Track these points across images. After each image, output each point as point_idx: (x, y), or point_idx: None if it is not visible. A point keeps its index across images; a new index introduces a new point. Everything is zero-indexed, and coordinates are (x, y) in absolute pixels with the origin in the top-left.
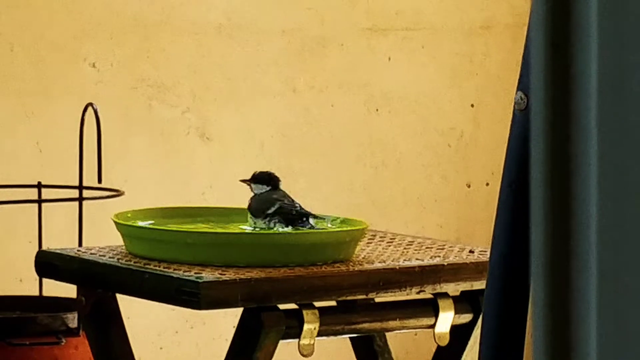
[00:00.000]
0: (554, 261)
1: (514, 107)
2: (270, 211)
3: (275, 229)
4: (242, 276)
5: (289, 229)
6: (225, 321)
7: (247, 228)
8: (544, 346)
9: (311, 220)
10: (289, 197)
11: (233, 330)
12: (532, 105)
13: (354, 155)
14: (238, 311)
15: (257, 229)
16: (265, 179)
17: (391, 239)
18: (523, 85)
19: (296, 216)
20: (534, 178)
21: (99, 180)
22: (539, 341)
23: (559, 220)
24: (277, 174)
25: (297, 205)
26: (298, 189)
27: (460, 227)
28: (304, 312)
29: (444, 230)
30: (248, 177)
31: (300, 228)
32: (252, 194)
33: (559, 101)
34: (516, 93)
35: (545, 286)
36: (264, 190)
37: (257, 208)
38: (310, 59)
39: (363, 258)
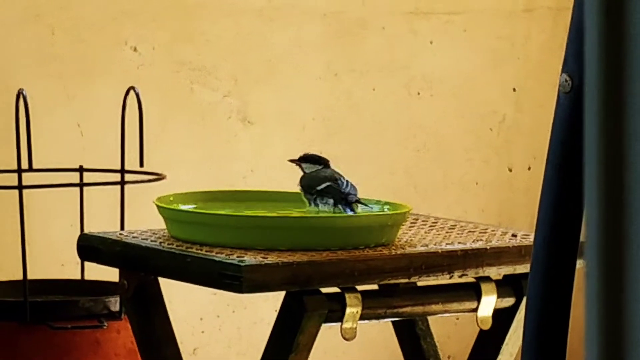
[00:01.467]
0: (608, 244)
1: (559, 89)
2: (319, 188)
3: (322, 207)
4: (285, 260)
5: (331, 210)
6: (266, 305)
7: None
8: (596, 329)
9: (360, 207)
10: (340, 176)
11: (274, 314)
12: (586, 84)
13: (395, 139)
14: (279, 295)
15: (311, 206)
16: (315, 159)
17: (433, 222)
18: (568, 67)
19: (343, 198)
20: (587, 158)
21: (141, 164)
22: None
23: (612, 203)
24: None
25: (346, 185)
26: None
27: (501, 211)
28: (347, 295)
29: (485, 214)
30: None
31: (343, 210)
32: (300, 175)
33: (612, 79)
34: (561, 75)
35: (599, 268)
36: (314, 169)
37: (308, 184)
38: (351, 42)
39: (405, 242)
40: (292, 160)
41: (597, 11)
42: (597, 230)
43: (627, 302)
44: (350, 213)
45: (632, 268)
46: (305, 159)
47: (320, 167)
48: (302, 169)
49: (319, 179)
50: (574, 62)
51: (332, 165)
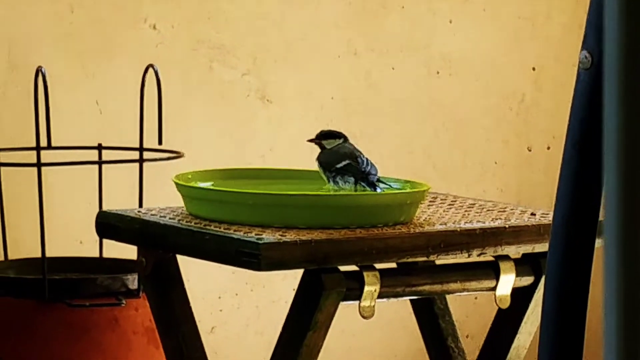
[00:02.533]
0: (627, 223)
1: (579, 66)
2: (339, 166)
3: (342, 185)
4: (303, 237)
5: (352, 188)
6: (284, 284)
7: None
8: (616, 306)
9: (381, 186)
10: (360, 153)
11: (292, 293)
12: (605, 60)
13: (414, 118)
14: (297, 274)
15: (330, 184)
16: (334, 134)
17: (452, 201)
18: (588, 44)
19: (364, 177)
20: (606, 135)
21: (160, 142)
22: (610, 301)
23: (631, 181)
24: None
25: (366, 163)
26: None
27: (520, 191)
28: (365, 273)
29: (504, 194)
30: (307, 139)
31: (364, 188)
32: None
33: (631, 55)
34: (580, 52)
35: (618, 247)
36: (334, 145)
37: (327, 161)
38: (370, 21)
39: (424, 220)
40: (311, 140)
41: None
42: (616, 208)
43: None
44: (370, 189)
45: None
46: (324, 136)
47: (340, 140)
48: (322, 146)
49: (339, 155)
50: (593, 38)
51: (352, 142)
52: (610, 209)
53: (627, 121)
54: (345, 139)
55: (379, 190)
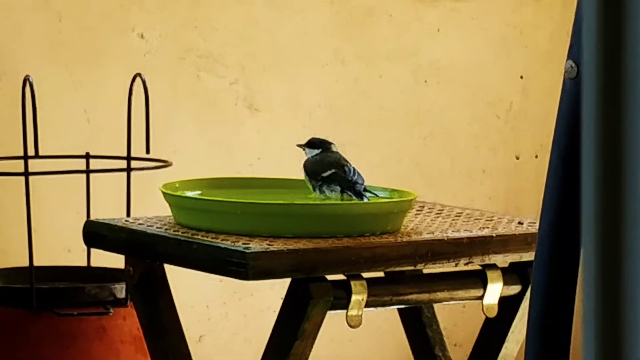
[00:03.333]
0: (605, 229)
1: (564, 75)
2: (325, 174)
3: (328, 194)
4: (290, 247)
5: (338, 197)
6: (272, 293)
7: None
8: (594, 315)
9: (368, 195)
10: (347, 162)
11: (281, 302)
12: (583, 72)
13: (402, 126)
14: (286, 283)
15: (315, 192)
16: (314, 143)
17: (439, 210)
18: (573, 54)
19: (351, 186)
20: (585, 144)
21: (147, 151)
22: (589, 309)
23: (610, 188)
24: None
25: (352, 172)
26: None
27: (508, 199)
28: (352, 283)
29: (492, 202)
30: (295, 147)
31: (351, 197)
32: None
33: (610, 67)
34: (566, 62)
35: (597, 254)
36: (314, 154)
37: (312, 170)
38: (358, 29)
39: (411, 229)
40: (299, 145)
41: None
42: (594, 217)
43: (624, 290)
44: (357, 199)
45: (630, 255)
46: (308, 144)
47: (318, 151)
48: (305, 154)
49: (325, 164)
50: (579, 48)
51: (339, 150)
52: (587, 218)
53: (604, 131)
54: (326, 149)
55: (365, 200)
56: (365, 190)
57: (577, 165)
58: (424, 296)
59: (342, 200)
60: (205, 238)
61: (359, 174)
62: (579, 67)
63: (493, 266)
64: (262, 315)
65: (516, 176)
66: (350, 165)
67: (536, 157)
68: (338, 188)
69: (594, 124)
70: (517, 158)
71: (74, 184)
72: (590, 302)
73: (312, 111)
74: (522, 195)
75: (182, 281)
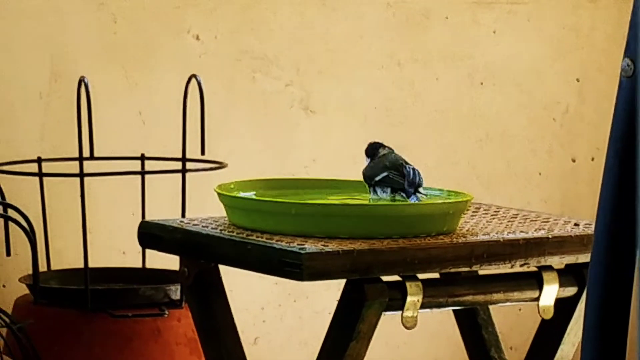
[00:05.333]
0: None
1: (621, 74)
2: (377, 178)
3: (380, 195)
4: (345, 247)
5: (390, 198)
6: (328, 294)
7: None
8: None
9: (418, 195)
10: (403, 162)
11: (336, 304)
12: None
13: (457, 129)
14: (341, 285)
15: (371, 197)
16: (367, 152)
17: (495, 211)
18: (630, 51)
19: (402, 187)
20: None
21: (202, 152)
22: None
23: None
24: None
25: (412, 173)
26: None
27: (564, 203)
28: (407, 284)
29: (548, 205)
30: (350, 150)
31: (403, 198)
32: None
33: None
34: (623, 60)
35: None
36: (368, 162)
37: (368, 175)
38: (414, 32)
39: (467, 230)
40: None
41: None
42: None
43: None
44: (410, 200)
45: None
46: (366, 152)
47: (369, 160)
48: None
49: (379, 168)
50: (636, 45)
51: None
52: None
53: None
54: (372, 155)
55: (414, 200)
56: (417, 191)
57: (634, 165)
58: (480, 297)
59: (393, 201)
60: (260, 239)
61: (417, 174)
62: (636, 65)
63: (549, 268)
64: (318, 317)
65: (572, 179)
66: (409, 166)
67: (592, 160)
68: (389, 189)
69: None
70: (574, 161)
71: (129, 185)
72: None
73: (368, 113)
74: (578, 199)
75: (237, 284)
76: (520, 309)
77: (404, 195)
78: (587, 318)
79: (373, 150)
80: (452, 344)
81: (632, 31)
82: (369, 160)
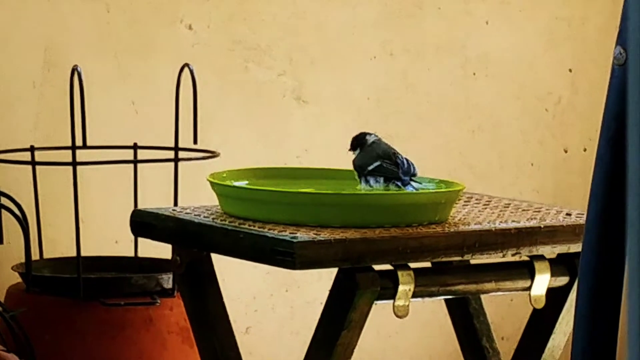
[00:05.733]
0: None
1: (613, 62)
2: (370, 167)
3: (373, 185)
4: (337, 236)
5: (383, 188)
6: (320, 285)
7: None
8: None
9: (413, 184)
10: (393, 151)
11: (327, 294)
12: (630, 57)
13: (450, 119)
14: (332, 274)
15: (362, 186)
16: (353, 144)
17: (487, 201)
18: (622, 39)
19: (396, 176)
20: (631, 131)
21: (195, 142)
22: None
23: None
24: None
25: (404, 163)
26: None
27: (556, 193)
28: (399, 273)
29: (540, 196)
30: (342, 140)
31: (398, 187)
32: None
33: None
34: (615, 47)
35: None
36: (356, 154)
37: (360, 165)
38: (407, 22)
39: (459, 220)
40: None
41: None
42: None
43: None
44: (406, 189)
45: None
46: (351, 144)
47: (358, 151)
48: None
49: (371, 157)
50: (627, 34)
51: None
52: (633, 208)
53: None
54: (361, 146)
55: (410, 189)
56: (412, 180)
57: (624, 154)
58: (471, 287)
59: (387, 190)
60: (252, 227)
61: (411, 164)
62: (628, 53)
63: (541, 257)
64: (309, 307)
65: (564, 170)
66: (402, 156)
67: (584, 150)
68: (382, 179)
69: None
70: (566, 151)
71: (122, 174)
72: (635, 292)
73: (360, 104)
74: (570, 189)
75: (229, 273)
76: (512, 299)
77: (399, 184)
78: (578, 307)
79: (359, 142)
80: (444, 334)
81: (625, 20)
82: (356, 151)
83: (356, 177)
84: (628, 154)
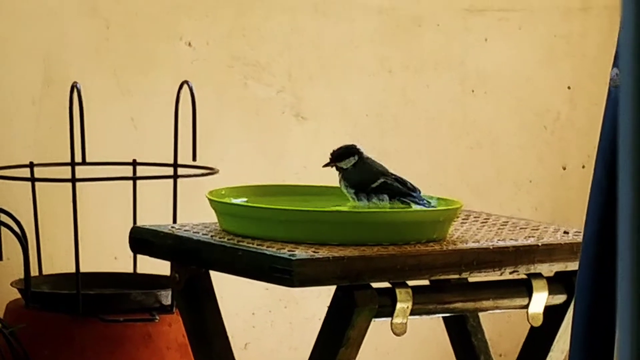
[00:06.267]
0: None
1: (610, 83)
2: (374, 185)
3: (376, 202)
4: (336, 254)
5: (387, 205)
6: (318, 301)
7: (343, 205)
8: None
9: (422, 202)
10: (385, 168)
11: (326, 310)
12: (621, 80)
13: (448, 136)
14: (331, 291)
15: (359, 203)
16: (349, 151)
17: (485, 219)
18: (619, 61)
19: (402, 192)
20: (622, 152)
21: (194, 158)
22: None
23: None
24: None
25: (399, 178)
26: (391, 169)
27: (555, 210)
28: (397, 290)
29: (539, 213)
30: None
31: (406, 204)
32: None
33: None
34: (612, 69)
35: (632, 269)
36: (353, 162)
37: (359, 182)
38: (405, 38)
39: (457, 237)
40: (326, 165)
41: (633, 6)
42: (630, 226)
43: None
44: (417, 207)
45: None
46: (338, 156)
47: (356, 158)
48: (340, 168)
49: (372, 174)
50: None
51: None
52: (624, 227)
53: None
54: (359, 154)
55: (426, 206)
56: (411, 196)
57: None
58: (469, 304)
59: (392, 208)
60: (250, 245)
61: (407, 181)
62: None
63: (538, 275)
64: (308, 324)
65: (563, 186)
66: (393, 173)
67: (583, 167)
68: (386, 196)
69: (631, 133)
70: (564, 168)
71: (121, 190)
72: (626, 311)
73: (359, 120)
74: (569, 206)
75: (227, 289)
76: (509, 316)
77: (407, 201)
78: (574, 324)
79: (346, 155)
80: (441, 351)
81: (619, 43)
82: (346, 163)
83: (349, 193)
84: (619, 175)
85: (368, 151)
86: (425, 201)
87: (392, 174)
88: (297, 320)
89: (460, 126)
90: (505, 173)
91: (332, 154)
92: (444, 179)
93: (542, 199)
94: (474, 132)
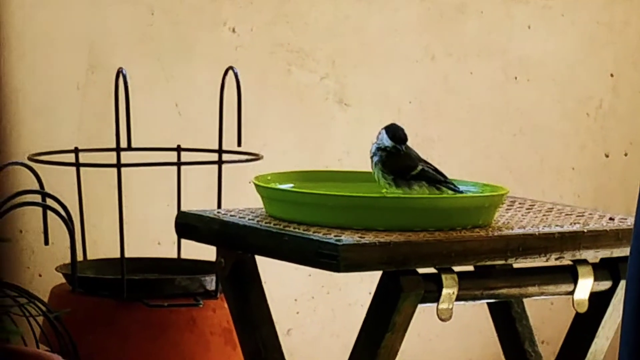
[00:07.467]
0: None
1: None
2: (415, 172)
3: (418, 190)
4: (382, 239)
5: (425, 192)
6: (361, 287)
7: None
8: None
9: (461, 188)
10: (418, 154)
11: (369, 297)
12: None
13: (491, 123)
14: (374, 277)
15: (396, 190)
16: (402, 138)
17: (530, 205)
18: None
19: (439, 180)
20: None
21: (239, 144)
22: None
23: None
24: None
25: (432, 167)
26: (435, 156)
27: (597, 197)
28: (443, 276)
29: (581, 200)
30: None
31: (441, 192)
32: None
33: None
34: None
35: None
36: (387, 152)
37: (399, 167)
38: (449, 26)
39: (502, 224)
40: (403, 144)
41: None
42: None
43: None
44: (450, 193)
45: None
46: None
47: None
48: (386, 151)
49: (411, 160)
50: None
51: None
52: None
53: None
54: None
55: (460, 192)
56: (449, 183)
57: None
58: (515, 290)
59: (429, 193)
60: (296, 230)
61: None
62: None
63: (584, 261)
64: (350, 310)
65: (605, 174)
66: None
67: (625, 155)
68: (425, 184)
69: None
70: (607, 156)
71: (166, 176)
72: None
73: (402, 107)
74: (611, 194)
75: (271, 275)
76: (552, 303)
77: (446, 188)
78: (625, 312)
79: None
80: (484, 337)
81: None
82: (393, 146)
83: (385, 179)
84: None
85: (411, 138)
86: (460, 189)
87: (425, 161)
88: (340, 307)
89: (503, 113)
90: (547, 160)
91: (403, 133)
92: (487, 166)
93: (584, 187)
94: (517, 119)
